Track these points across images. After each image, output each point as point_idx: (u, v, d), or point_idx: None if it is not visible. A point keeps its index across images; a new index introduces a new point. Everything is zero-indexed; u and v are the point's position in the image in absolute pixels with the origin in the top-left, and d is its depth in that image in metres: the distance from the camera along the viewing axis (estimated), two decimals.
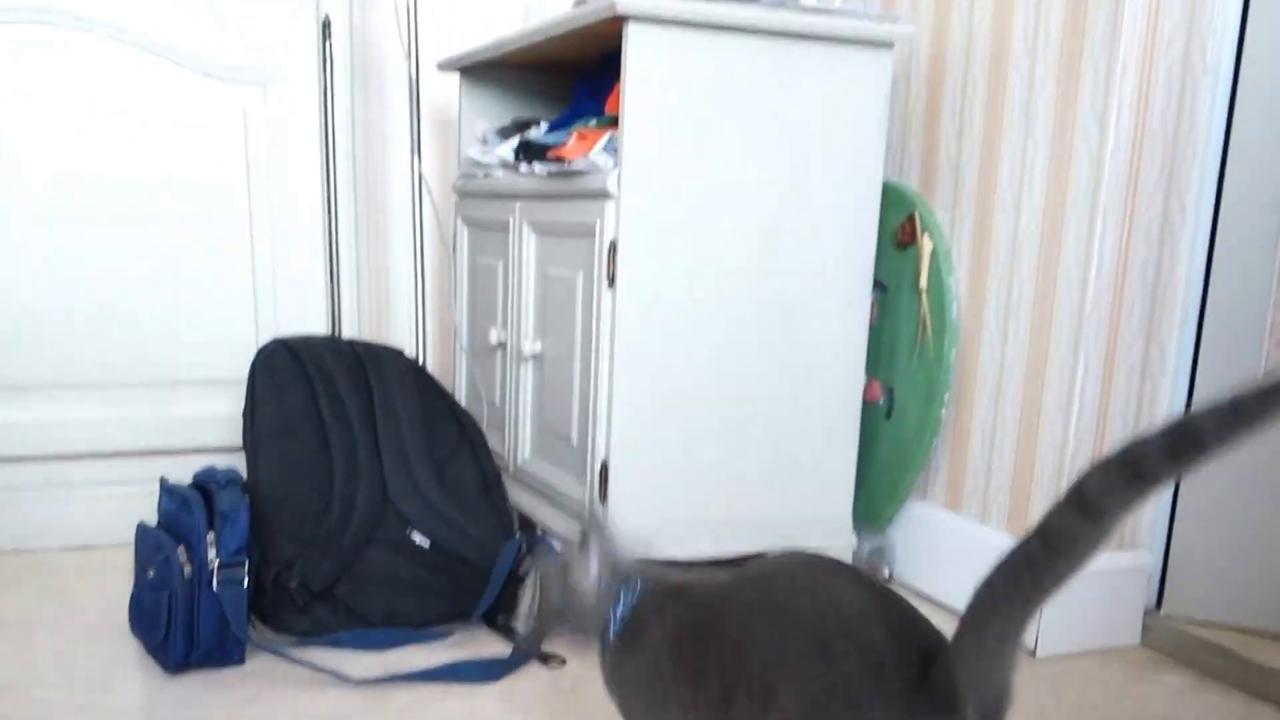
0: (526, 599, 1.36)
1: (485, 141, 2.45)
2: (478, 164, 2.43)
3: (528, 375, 2.23)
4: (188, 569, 1.68)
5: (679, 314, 1.92)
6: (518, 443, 2.28)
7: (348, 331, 2.53)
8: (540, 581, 1.28)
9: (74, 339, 2.31)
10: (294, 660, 1.70)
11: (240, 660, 1.73)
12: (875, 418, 2.22)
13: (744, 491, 2.02)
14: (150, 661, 1.74)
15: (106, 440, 2.35)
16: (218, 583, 1.68)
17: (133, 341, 2.35)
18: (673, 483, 1.95)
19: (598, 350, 1.91)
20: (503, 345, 2.34)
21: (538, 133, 2.24)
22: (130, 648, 1.79)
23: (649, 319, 1.90)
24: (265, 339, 2.10)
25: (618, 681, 1.22)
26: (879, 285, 2.18)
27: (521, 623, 1.86)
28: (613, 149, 1.91)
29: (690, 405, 1.96)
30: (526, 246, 2.19)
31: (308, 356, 2.04)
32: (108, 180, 2.29)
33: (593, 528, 1.25)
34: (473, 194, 2.48)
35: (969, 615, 0.86)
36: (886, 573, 2.20)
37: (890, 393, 2.22)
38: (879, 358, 2.21)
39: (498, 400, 2.40)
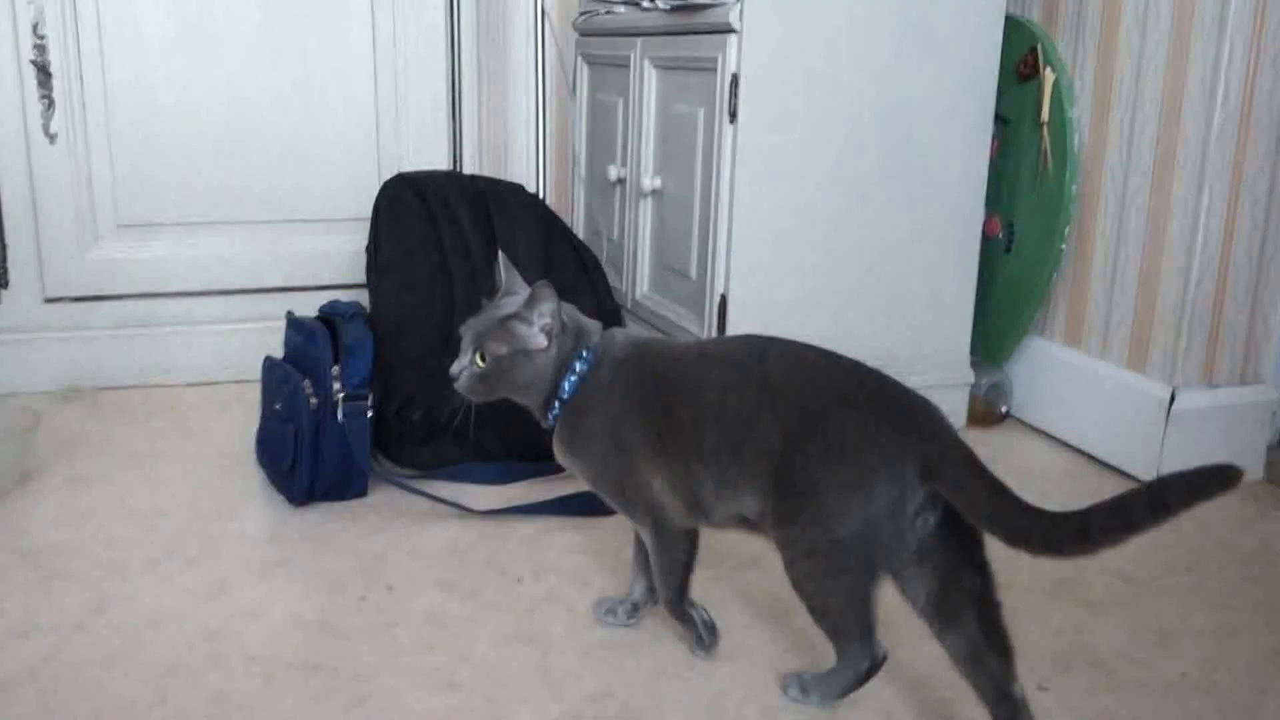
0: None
1: None
2: (600, 0, 2.42)
3: (647, 211, 2.27)
4: (313, 401, 1.74)
5: (799, 149, 1.92)
6: (636, 278, 2.33)
7: (468, 167, 2.58)
8: (484, 341, 1.28)
9: (200, 176, 2.40)
10: (416, 492, 1.76)
11: (362, 492, 1.81)
12: (994, 252, 2.21)
13: (862, 326, 2.05)
14: (275, 493, 1.83)
15: (232, 277, 2.45)
16: (342, 414, 1.73)
17: (258, 178, 2.43)
18: (790, 317, 1.99)
19: (718, 185, 1.93)
20: (622, 181, 2.37)
21: None
22: (255, 479, 1.89)
23: (769, 154, 1.91)
24: (388, 175, 2.16)
25: (578, 439, 1.31)
26: (1000, 119, 2.14)
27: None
28: None
29: (809, 240, 1.98)
30: (647, 83, 2.20)
31: (431, 191, 2.09)
32: (233, 8, 2.35)
33: (543, 293, 1.26)
34: (594, 31, 2.48)
35: (971, 490, 1.10)
36: (1003, 409, 2.22)
37: (1010, 227, 2.20)
38: (999, 192, 2.19)
39: (615, 236, 2.45)
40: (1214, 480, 0.97)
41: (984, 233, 2.11)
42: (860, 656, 1.21)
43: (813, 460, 1.15)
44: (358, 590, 1.52)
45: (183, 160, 2.38)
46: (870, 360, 2.04)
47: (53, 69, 2.26)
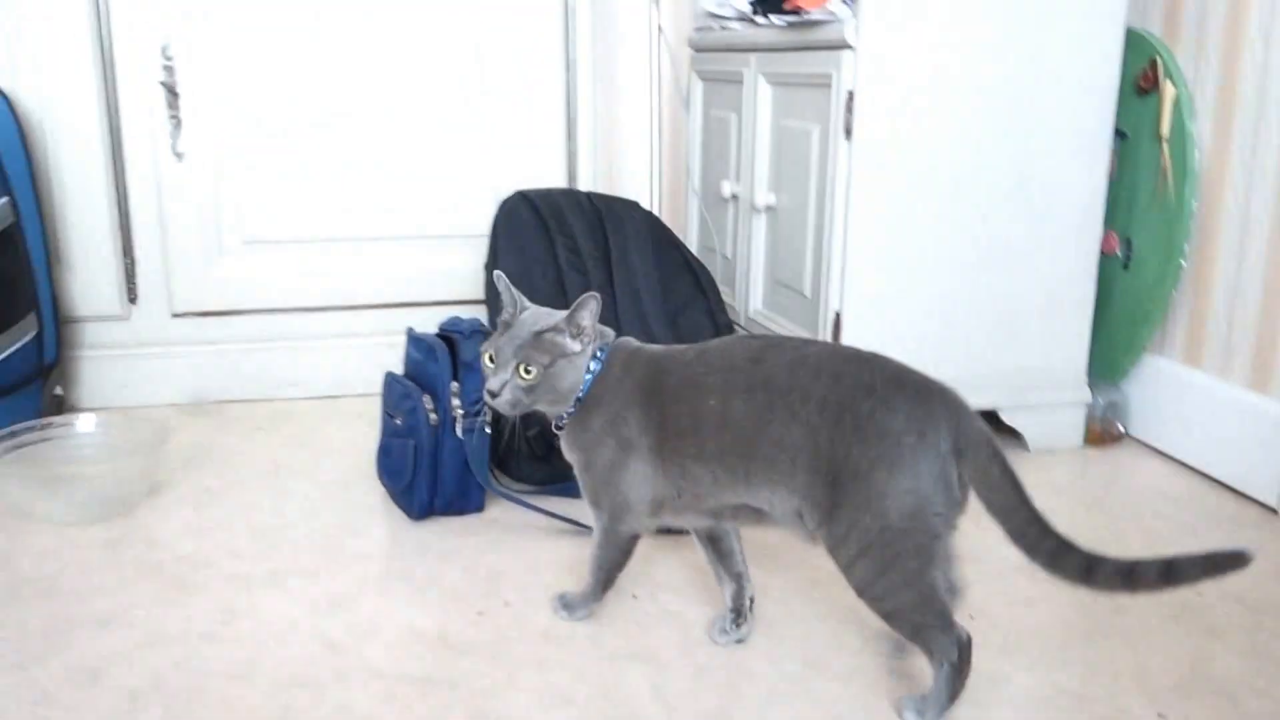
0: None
1: None
2: (714, 16, 2.41)
3: (760, 227, 2.25)
4: (433, 417, 1.76)
5: (915, 166, 1.89)
6: (748, 294, 2.32)
7: (582, 184, 2.59)
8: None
9: (322, 193, 2.45)
10: (532, 508, 1.77)
11: (480, 507, 1.83)
12: (1112, 269, 2.14)
13: (977, 344, 2.00)
14: (394, 507, 1.86)
15: (352, 293, 2.50)
16: (461, 431, 1.75)
17: (379, 195, 2.48)
18: (905, 334, 1.95)
19: (832, 202, 1.91)
20: (735, 197, 2.36)
21: None
22: (375, 494, 1.92)
23: (885, 170, 1.88)
24: (505, 192, 2.18)
25: (580, 432, 1.37)
26: (1119, 134, 2.07)
27: None
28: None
29: (925, 257, 1.94)
30: (762, 99, 2.19)
31: (547, 209, 2.11)
32: (354, 33, 2.41)
33: (590, 302, 1.33)
34: (708, 47, 2.47)
35: (1001, 492, 1.16)
36: (1120, 429, 2.15)
37: (1128, 243, 2.13)
38: (1117, 208, 2.12)
39: (728, 252, 2.44)
40: (1227, 562, 1.07)
41: (1102, 250, 2.05)
42: (949, 646, 1.21)
43: (849, 450, 1.18)
44: (476, 605, 1.53)
45: (305, 178, 2.43)
46: (987, 377, 2.03)
47: (180, 89, 2.34)
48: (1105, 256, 2.09)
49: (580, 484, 1.42)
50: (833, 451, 1.20)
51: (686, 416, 1.30)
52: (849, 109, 1.84)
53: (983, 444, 1.17)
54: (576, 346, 1.34)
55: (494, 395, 1.32)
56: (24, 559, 1.67)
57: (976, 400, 2.00)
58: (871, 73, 1.83)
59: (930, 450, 1.17)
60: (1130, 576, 1.11)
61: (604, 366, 1.37)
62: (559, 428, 1.41)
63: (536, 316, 1.36)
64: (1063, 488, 1.96)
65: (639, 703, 1.30)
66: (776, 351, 1.29)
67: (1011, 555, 1.17)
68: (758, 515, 1.31)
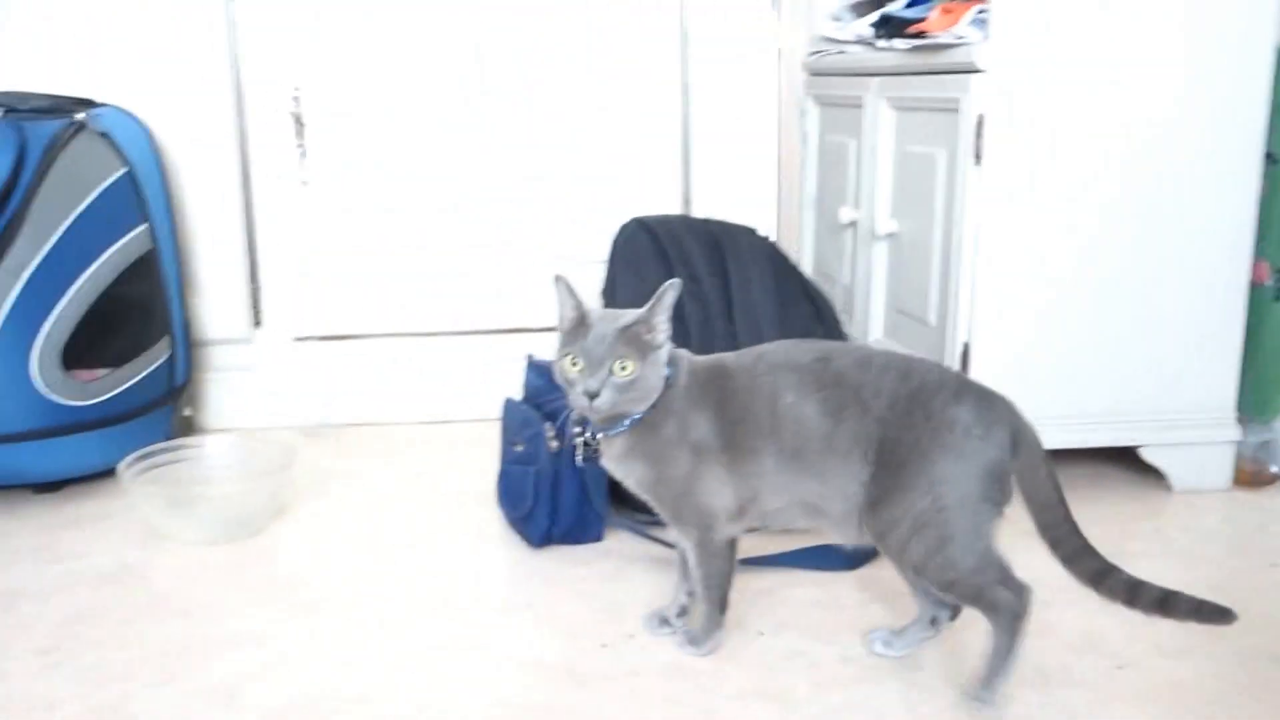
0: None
1: (839, 19, 2.41)
2: (831, 41, 2.39)
3: (881, 254, 2.21)
4: (553, 444, 1.75)
5: (1048, 191, 1.84)
6: (868, 323, 2.28)
7: (697, 210, 2.58)
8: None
9: (440, 220, 2.48)
10: (652, 539, 1.74)
11: (599, 537, 1.82)
12: (1262, 300, 2.05)
13: (1117, 377, 1.93)
14: (512, 534, 1.86)
15: (469, 319, 2.53)
16: (582, 459, 1.71)
17: (497, 221, 2.50)
18: (1038, 368, 1.89)
19: (960, 229, 1.86)
20: (854, 224, 2.33)
21: (896, 7, 2.17)
22: (494, 520, 1.92)
23: (1017, 197, 1.83)
24: (620, 219, 2.18)
25: (645, 445, 1.38)
26: (1269, 157, 1.99)
27: None
28: (981, 22, 1.83)
29: (1059, 287, 1.88)
30: (883, 123, 2.15)
31: (665, 235, 2.10)
32: (474, 59, 2.43)
33: (670, 293, 1.34)
34: (825, 71, 2.45)
35: (1045, 500, 1.28)
36: (1272, 470, 2.05)
37: (1279, 273, 2.04)
38: (1268, 236, 2.03)
39: (846, 279, 2.40)
40: (1214, 614, 1.21)
41: (1251, 279, 1.96)
42: (1011, 599, 1.29)
43: (917, 440, 1.27)
44: (600, 637, 1.51)
45: (425, 205, 2.47)
46: (1126, 413, 1.96)
47: (306, 120, 2.39)
48: (1255, 286, 2.01)
49: (653, 500, 1.42)
50: (899, 442, 1.28)
51: (761, 417, 1.34)
52: (979, 134, 1.80)
53: (1036, 445, 1.29)
54: (662, 339, 1.35)
55: (593, 396, 1.31)
56: (159, 576, 1.71)
57: (1116, 436, 1.98)
58: (1003, 97, 1.79)
59: (992, 444, 1.27)
60: (1133, 593, 1.24)
61: (672, 374, 1.38)
62: (597, 436, 1.41)
63: (612, 315, 1.35)
64: (1209, 531, 1.87)
65: None
66: (840, 351, 1.37)
67: None
68: (813, 513, 1.37)
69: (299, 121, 2.39)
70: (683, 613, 1.51)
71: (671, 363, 1.38)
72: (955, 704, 1.33)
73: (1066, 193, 1.84)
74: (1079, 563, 1.27)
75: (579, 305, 1.37)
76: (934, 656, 1.45)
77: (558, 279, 1.37)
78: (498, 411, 1.92)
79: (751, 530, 1.47)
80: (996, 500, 1.28)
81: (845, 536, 1.38)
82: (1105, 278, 1.89)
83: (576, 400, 1.33)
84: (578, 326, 1.35)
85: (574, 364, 1.33)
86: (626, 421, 1.37)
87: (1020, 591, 1.29)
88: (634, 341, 1.32)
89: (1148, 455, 1.99)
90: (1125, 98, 1.82)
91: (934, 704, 1.34)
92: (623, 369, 1.31)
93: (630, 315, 1.34)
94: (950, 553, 1.27)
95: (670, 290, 1.33)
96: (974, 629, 1.50)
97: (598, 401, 1.31)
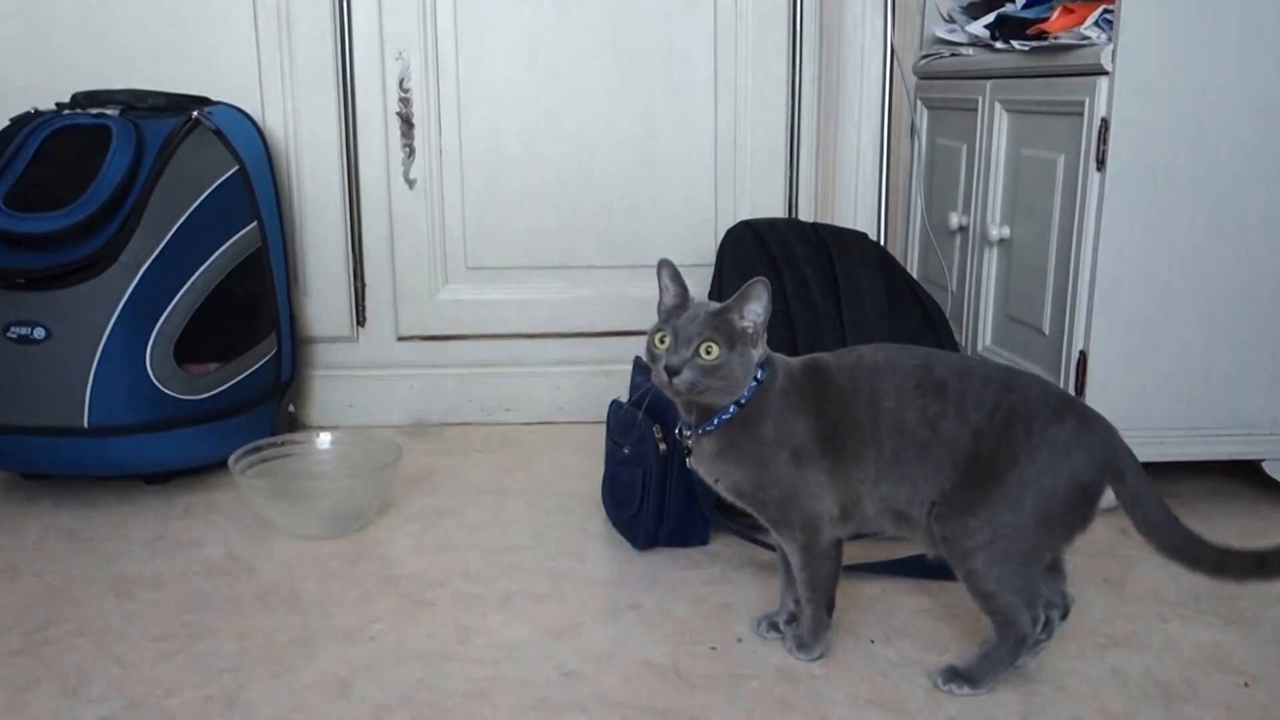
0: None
1: (952, 21, 2.37)
2: (945, 42, 2.35)
3: (992, 260, 2.16)
4: (662, 446, 1.74)
5: (1174, 198, 1.78)
6: (978, 330, 2.23)
7: (802, 214, 2.55)
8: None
9: (544, 221, 2.48)
10: (758, 543, 1.71)
11: (704, 541, 1.80)
12: None
13: (1241, 389, 1.86)
14: (616, 536, 1.85)
15: (571, 320, 2.52)
16: (690, 461, 1.73)
17: (600, 223, 2.50)
18: (1160, 380, 1.83)
19: (1079, 236, 1.81)
20: (963, 229, 2.28)
21: (1015, 8, 2.13)
22: (597, 520, 1.91)
23: (1140, 203, 1.77)
24: (724, 221, 2.16)
25: (741, 448, 1.36)
26: None
27: None
28: (1106, 23, 1.78)
29: (1183, 297, 1.82)
30: (998, 127, 2.11)
31: (773, 240, 2.07)
32: (580, 60, 2.43)
33: (757, 290, 1.31)
34: (936, 74, 2.41)
35: (1151, 515, 1.28)
36: None
37: None
38: None
39: (954, 286, 2.36)
40: None
41: None
42: (1027, 622, 1.32)
43: (1015, 455, 1.27)
44: (708, 639, 1.49)
45: (528, 205, 2.47)
46: (1253, 428, 1.88)
47: (415, 119, 2.41)
48: None
49: (752, 505, 1.40)
50: (995, 455, 1.28)
51: (861, 421, 1.33)
52: (1102, 138, 1.75)
53: (1138, 469, 1.28)
54: (754, 332, 1.32)
55: (674, 373, 1.29)
56: (267, 568, 1.72)
57: (1237, 449, 1.90)
58: (1129, 100, 1.73)
59: (1089, 468, 1.27)
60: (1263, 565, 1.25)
61: (767, 375, 1.36)
62: (694, 432, 1.39)
63: (712, 303, 1.34)
64: None
65: None
66: (941, 359, 1.36)
67: None
68: (901, 521, 1.36)
69: (407, 121, 2.41)
70: (791, 619, 1.49)
71: (768, 365, 1.37)
72: (1074, 718, 1.29)
73: (1190, 200, 1.78)
74: (1229, 567, 1.27)
75: (683, 289, 1.36)
76: (1064, 670, 1.40)
77: (662, 263, 1.37)
78: (601, 414, 1.91)
79: (855, 537, 1.44)
80: (1076, 525, 1.30)
81: (927, 544, 1.37)
82: (1233, 287, 1.82)
83: (657, 377, 1.32)
84: (676, 308, 1.34)
85: (661, 341, 1.32)
86: (716, 420, 1.35)
87: (1038, 620, 1.33)
88: (724, 327, 1.31)
89: (1271, 470, 1.92)
90: (1255, 103, 1.76)
91: (1051, 715, 1.30)
92: (708, 352, 1.29)
93: (725, 304, 1.33)
94: (1010, 569, 1.29)
95: (758, 284, 1.31)
96: (1123, 647, 1.46)
97: (677, 379, 1.29)
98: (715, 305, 1.33)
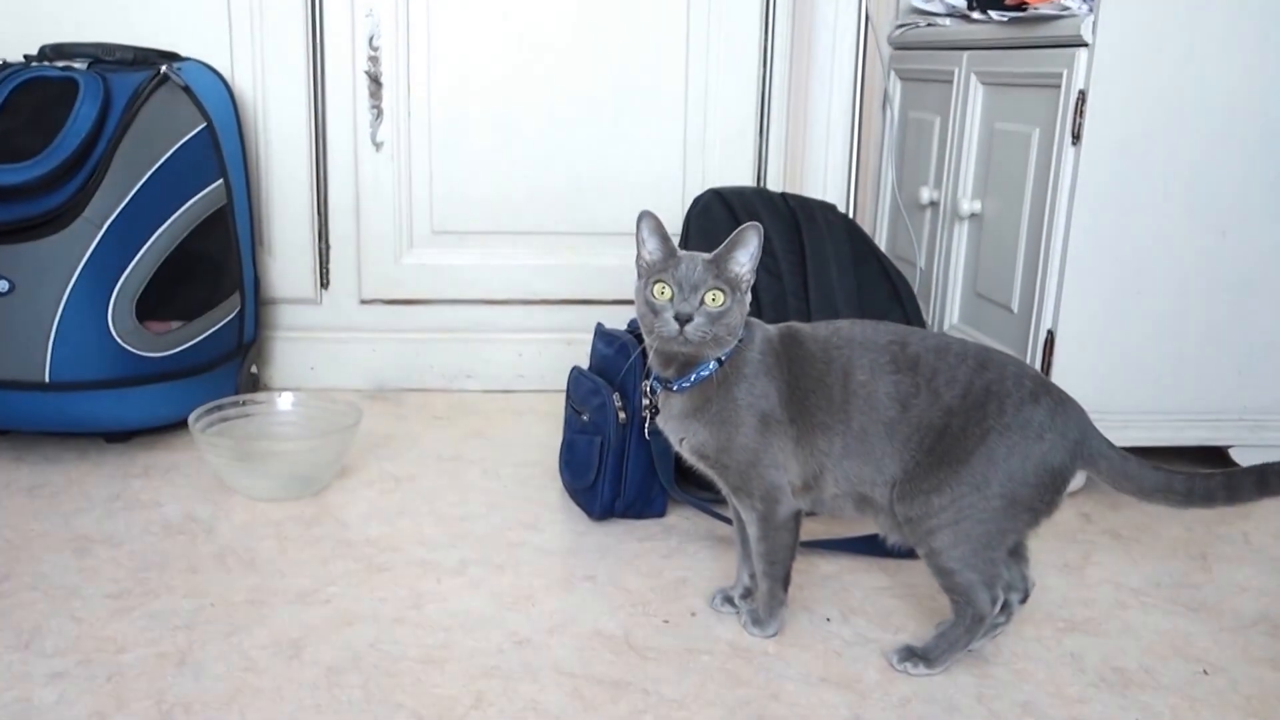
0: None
1: None
2: (921, 12, 2.33)
3: (962, 236, 2.15)
4: (621, 415, 1.72)
5: (1151, 174, 1.77)
6: (945, 307, 2.22)
7: (771, 184, 2.53)
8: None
9: (510, 187, 2.45)
10: (717, 516, 1.70)
11: (661, 512, 1.79)
12: None
13: (1210, 373, 1.86)
14: (573, 505, 1.83)
15: (535, 287, 2.49)
16: (649, 431, 1.63)
17: (566, 191, 2.47)
18: (1128, 361, 1.83)
19: (1052, 211, 1.80)
20: (934, 204, 2.26)
21: None
22: (553, 490, 1.90)
23: (1116, 178, 1.76)
24: (692, 190, 2.14)
25: (712, 409, 1.34)
26: None
27: None
28: None
29: (1156, 275, 1.81)
30: (973, 99, 2.09)
31: (740, 206, 2.05)
32: (550, 26, 2.40)
33: (750, 235, 1.30)
34: (911, 45, 2.38)
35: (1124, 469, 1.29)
36: None
37: None
38: None
39: (923, 262, 2.34)
40: None
41: None
42: (986, 602, 1.31)
43: (985, 434, 1.26)
44: (662, 612, 1.48)
45: (494, 171, 2.44)
46: (1222, 413, 1.88)
47: (384, 79, 2.37)
48: None
49: (715, 469, 1.39)
50: (965, 434, 1.27)
51: (832, 391, 1.32)
52: (1079, 111, 1.73)
53: (1110, 448, 1.29)
54: (746, 279, 1.31)
55: (685, 320, 1.27)
56: (225, 529, 1.70)
57: (1204, 435, 1.90)
58: (1108, 72, 1.71)
59: (1059, 451, 1.27)
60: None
61: (745, 337, 1.35)
62: (669, 387, 1.36)
63: (697, 254, 1.32)
64: None
65: None
66: (917, 335, 1.35)
67: (1249, 609, 1.22)
68: (862, 503, 1.35)
69: (376, 81, 2.36)
70: (746, 594, 1.48)
71: (746, 327, 1.35)
72: (1029, 704, 1.29)
73: (1168, 175, 1.77)
74: (1238, 489, 1.26)
75: (668, 241, 1.34)
76: (1016, 653, 1.40)
77: (644, 215, 1.34)
78: (562, 383, 1.89)
79: (809, 515, 1.43)
80: (1041, 510, 1.29)
81: (887, 528, 1.36)
82: (1206, 266, 1.82)
83: (665, 327, 1.28)
84: (667, 259, 1.32)
85: (663, 291, 1.29)
86: (694, 376, 1.34)
87: (996, 600, 1.32)
88: (724, 274, 1.30)
89: (1237, 456, 1.92)
90: (1235, 79, 1.74)
91: (1007, 699, 1.29)
92: (714, 299, 1.28)
93: (718, 251, 1.31)
94: (972, 548, 1.28)
95: (750, 230, 1.29)
96: (1082, 632, 1.46)
97: (689, 327, 1.27)
98: (707, 255, 1.31)
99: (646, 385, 1.44)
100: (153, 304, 1.98)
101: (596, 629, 1.43)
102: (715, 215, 2.04)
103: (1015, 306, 1.93)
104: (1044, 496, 1.28)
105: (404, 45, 2.36)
